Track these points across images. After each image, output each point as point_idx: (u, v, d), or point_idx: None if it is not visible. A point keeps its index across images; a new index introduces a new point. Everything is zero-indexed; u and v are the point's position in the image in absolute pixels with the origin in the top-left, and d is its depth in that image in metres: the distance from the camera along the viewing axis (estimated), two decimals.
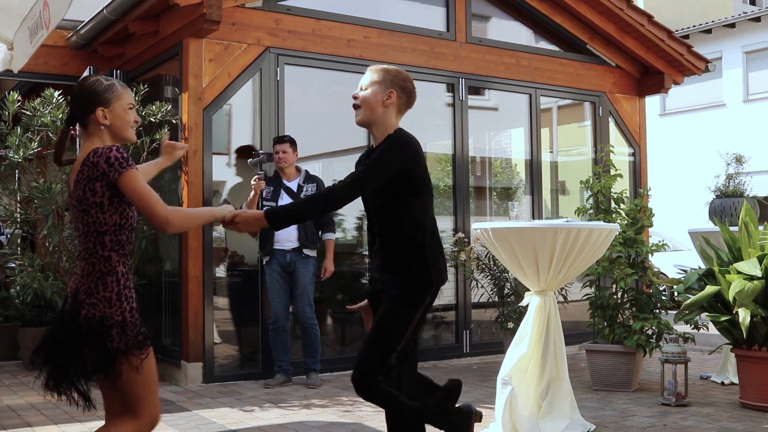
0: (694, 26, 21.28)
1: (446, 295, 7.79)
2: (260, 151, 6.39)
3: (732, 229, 5.94)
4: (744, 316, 5.16)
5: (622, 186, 6.97)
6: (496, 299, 7.11)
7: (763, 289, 5.28)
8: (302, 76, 7.24)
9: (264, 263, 6.52)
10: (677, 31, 19.17)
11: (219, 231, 7.07)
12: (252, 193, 6.28)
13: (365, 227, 7.46)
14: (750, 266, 5.36)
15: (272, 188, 6.45)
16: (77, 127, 2.94)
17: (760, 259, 5.40)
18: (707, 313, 5.63)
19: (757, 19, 20.41)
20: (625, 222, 6.32)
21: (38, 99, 6.61)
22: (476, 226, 5.03)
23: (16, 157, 6.45)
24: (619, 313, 6.25)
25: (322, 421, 5.19)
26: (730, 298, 5.29)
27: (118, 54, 7.80)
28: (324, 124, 7.83)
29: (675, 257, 13.44)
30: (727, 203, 6.62)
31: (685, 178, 19.36)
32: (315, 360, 6.46)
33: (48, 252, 6.86)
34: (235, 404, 5.74)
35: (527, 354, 4.72)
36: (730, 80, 20.83)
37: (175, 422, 5.09)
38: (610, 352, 6.14)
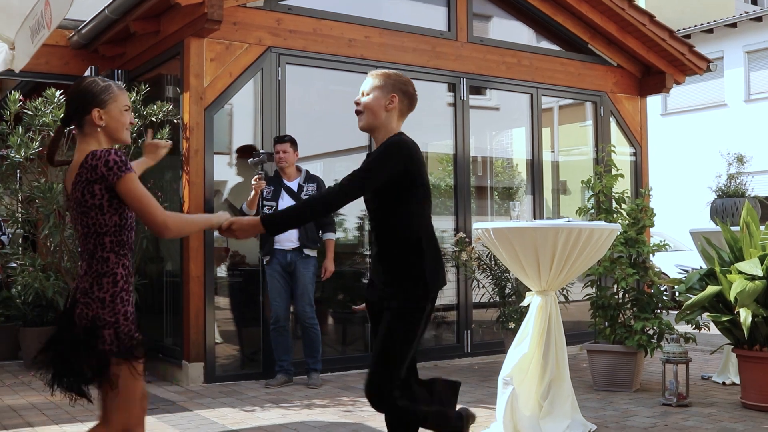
0: (696, 26, 21.27)
1: (447, 295, 7.78)
2: (261, 151, 6.39)
3: (733, 229, 5.94)
4: (745, 316, 5.15)
5: (623, 186, 6.96)
6: (498, 299, 7.11)
7: (765, 289, 5.27)
8: (303, 75, 7.24)
9: (264, 263, 6.52)
10: (679, 30, 19.17)
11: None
12: (252, 192, 6.29)
13: (366, 227, 7.47)
14: (751, 266, 5.35)
15: (273, 188, 6.45)
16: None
17: (762, 259, 5.40)
18: (708, 313, 5.62)
19: (759, 19, 20.39)
20: (627, 222, 6.31)
21: (40, 99, 6.61)
22: (477, 225, 5.03)
23: (17, 156, 6.45)
24: (621, 313, 6.25)
25: (323, 421, 5.19)
26: (732, 298, 5.29)
27: (120, 54, 7.80)
28: (325, 123, 7.83)
29: (676, 257, 13.43)
30: (728, 203, 6.61)
31: (686, 178, 19.35)
32: (316, 360, 6.46)
33: (49, 252, 6.86)
34: (236, 404, 5.74)
35: (528, 354, 4.72)
36: (731, 80, 20.82)
37: (176, 422, 5.09)
38: (612, 352, 6.14)
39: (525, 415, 4.64)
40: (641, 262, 6.27)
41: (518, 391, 4.65)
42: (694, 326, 5.93)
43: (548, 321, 4.75)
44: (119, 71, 7.68)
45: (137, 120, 6.60)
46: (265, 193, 6.40)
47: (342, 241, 7.60)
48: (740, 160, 6.79)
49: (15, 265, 7.15)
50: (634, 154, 9.25)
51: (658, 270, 6.49)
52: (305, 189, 6.45)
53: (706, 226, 6.74)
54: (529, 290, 4.95)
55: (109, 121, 2.87)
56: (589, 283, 6.44)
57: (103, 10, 7.08)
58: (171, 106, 6.75)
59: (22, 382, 6.66)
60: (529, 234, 4.65)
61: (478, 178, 8.72)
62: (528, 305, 4.88)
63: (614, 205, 6.44)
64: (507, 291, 7.02)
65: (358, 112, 3.30)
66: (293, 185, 6.48)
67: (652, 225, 6.41)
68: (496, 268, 7.02)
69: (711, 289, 5.52)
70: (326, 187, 6.48)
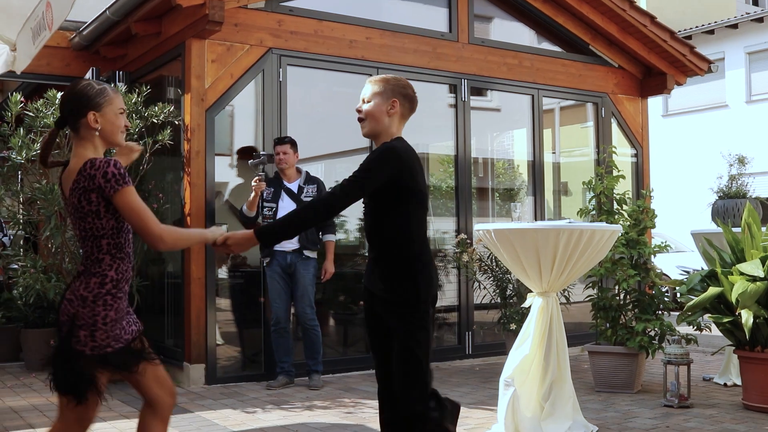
0: (697, 27, 21.26)
1: (449, 296, 7.78)
2: (261, 153, 6.40)
3: (735, 230, 5.93)
4: (747, 317, 5.15)
5: (624, 187, 6.96)
6: (499, 300, 7.11)
7: (766, 291, 5.26)
8: (305, 77, 7.24)
9: (264, 265, 6.52)
10: (680, 31, 19.16)
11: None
12: (252, 194, 6.30)
13: None
14: (753, 267, 5.35)
15: (273, 189, 6.45)
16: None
17: (763, 261, 5.40)
18: (710, 315, 5.62)
19: (760, 20, 20.38)
20: (628, 223, 6.31)
21: (41, 100, 6.62)
22: (479, 227, 5.03)
23: (18, 158, 6.45)
24: (622, 315, 6.24)
25: (324, 422, 5.19)
26: (733, 300, 5.28)
27: (121, 55, 7.81)
28: (326, 125, 7.83)
29: (677, 258, 13.42)
30: (729, 204, 6.61)
31: (687, 179, 19.33)
32: (317, 361, 6.46)
33: (50, 253, 6.86)
34: (238, 406, 5.73)
35: (530, 355, 4.72)
36: (732, 81, 20.81)
37: (177, 424, 5.09)
38: (613, 353, 6.13)
39: (526, 416, 4.64)
40: (642, 264, 6.27)
41: (519, 393, 4.65)
42: (695, 327, 5.93)
43: (549, 322, 4.75)
44: (120, 73, 7.68)
45: (138, 121, 6.61)
46: (265, 195, 6.40)
47: (343, 242, 7.60)
48: (741, 161, 6.78)
49: (16, 266, 7.15)
50: (636, 155, 9.24)
51: (659, 271, 6.48)
52: (305, 190, 6.45)
53: (707, 228, 6.73)
54: (531, 291, 4.95)
55: (104, 125, 2.87)
56: (591, 285, 6.44)
57: (105, 11, 7.08)
58: (172, 108, 6.75)
59: (24, 384, 6.66)
60: (531, 235, 4.64)
61: (479, 180, 8.72)
62: (529, 306, 4.88)
63: (615, 206, 6.44)
64: (508, 292, 7.02)
65: (360, 120, 3.31)
66: (293, 187, 6.48)
67: (654, 226, 6.41)
68: (497, 269, 7.01)
69: (712, 290, 5.51)
70: (326, 188, 6.48)
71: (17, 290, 7.30)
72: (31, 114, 6.55)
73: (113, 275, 2.81)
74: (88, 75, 7.52)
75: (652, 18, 8.69)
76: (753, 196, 6.72)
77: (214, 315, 6.57)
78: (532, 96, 8.50)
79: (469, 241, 7.12)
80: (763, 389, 5.34)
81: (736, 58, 20.76)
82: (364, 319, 3.42)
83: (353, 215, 7.56)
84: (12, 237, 8.01)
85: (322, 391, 6.25)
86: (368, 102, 3.28)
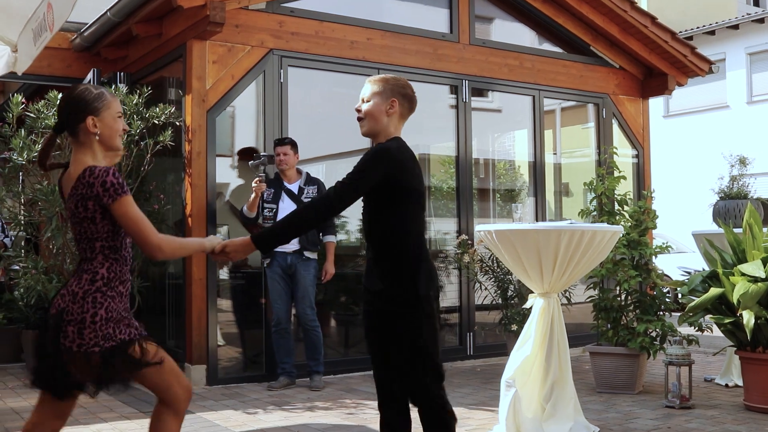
0: (698, 27, 21.26)
1: (450, 297, 7.78)
2: (261, 153, 6.40)
3: (736, 231, 5.93)
4: (748, 318, 5.15)
5: (625, 188, 6.97)
6: (500, 301, 7.10)
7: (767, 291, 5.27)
8: (305, 77, 7.24)
9: (265, 266, 6.52)
10: (681, 32, 19.15)
11: (222, 233, 7.08)
12: (253, 195, 6.30)
13: None
14: (754, 268, 5.35)
15: (273, 190, 6.45)
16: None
17: (765, 261, 5.39)
18: (711, 315, 5.62)
19: (761, 21, 20.38)
20: (629, 224, 6.31)
21: (42, 101, 6.62)
22: (480, 228, 5.03)
23: (20, 159, 6.45)
24: (623, 315, 6.24)
25: (325, 423, 5.19)
26: (735, 300, 5.28)
27: (122, 56, 7.81)
28: (327, 125, 7.83)
29: (679, 259, 13.41)
30: (731, 205, 6.61)
31: (688, 179, 19.33)
32: (318, 362, 6.46)
33: (52, 254, 6.86)
34: (239, 407, 5.73)
35: (531, 356, 4.72)
36: (733, 82, 20.81)
37: None
38: (614, 354, 6.13)
39: (527, 417, 4.64)
40: (644, 264, 6.27)
41: (521, 394, 4.65)
42: (696, 328, 5.93)
43: (551, 323, 4.74)
44: (121, 74, 7.69)
45: (139, 122, 6.61)
46: (265, 196, 6.41)
47: (344, 243, 7.60)
48: (743, 161, 6.78)
49: (17, 267, 7.16)
50: (637, 156, 9.24)
51: (660, 272, 6.48)
52: (306, 191, 6.45)
53: (708, 228, 6.73)
54: (532, 292, 4.94)
55: (103, 129, 2.87)
56: (592, 285, 6.44)
57: (106, 12, 7.09)
58: (173, 109, 6.75)
59: (25, 385, 6.65)
60: (532, 236, 4.64)
61: (480, 180, 8.72)
62: (530, 307, 4.88)
63: (617, 207, 6.44)
64: (509, 293, 7.02)
65: (359, 119, 3.32)
66: (293, 188, 6.48)
67: (655, 227, 6.41)
68: (498, 270, 7.01)
69: (714, 291, 5.51)
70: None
71: (18, 291, 7.30)
72: (32, 115, 6.56)
73: (104, 273, 2.80)
74: (89, 76, 7.52)
75: (653, 19, 8.69)
76: (754, 197, 6.72)
77: (215, 316, 6.57)
78: (533, 97, 8.50)
79: (470, 242, 7.12)
80: (765, 390, 5.33)
81: (737, 59, 20.76)
82: (363, 320, 3.42)
83: (354, 216, 7.56)
84: (13, 238, 8.01)
85: (324, 392, 6.25)
86: (367, 101, 3.29)
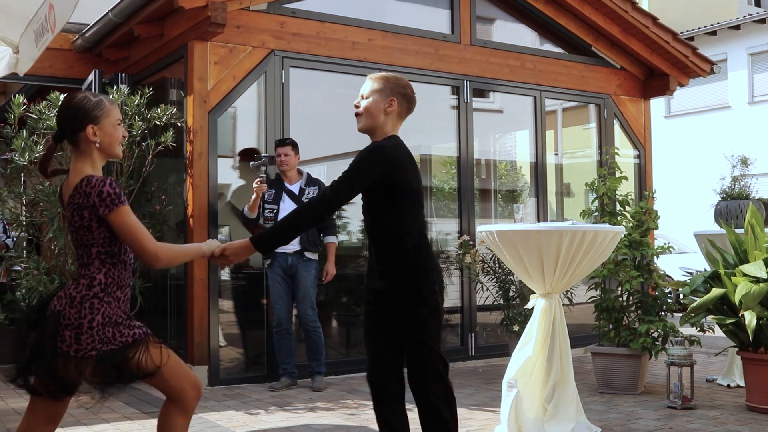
0: (699, 28, 21.25)
1: (451, 297, 7.78)
2: (262, 154, 6.40)
3: (738, 231, 5.92)
4: (750, 318, 5.14)
5: (627, 188, 6.97)
6: (502, 302, 7.10)
7: None
8: (307, 78, 7.24)
9: (266, 266, 6.53)
10: (682, 33, 19.15)
11: (223, 234, 7.08)
12: (254, 195, 6.31)
13: None
14: (756, 268, 5.34)
15: (274, 191, 6.46)
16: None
17: (766, 262, 5.38)
18: (713, 316, 5.61)
19: (762, 21, 20.37)
20: (631, 224, 6.31)
21: (44, 102, 6.63)
22: (481, 228, 5.03)
23: (21, 160, 6.46)
24: (625, 316, 6.24)
25: (327, 424, 5.19)
26: (736, 301, 5.27)
27: (123, 57, 7.82)
28: (328, 126, 7.84)
29: (680, 260, 13.41)
30: (732, 205, 6.60)
31: (690, 180, 19.32)
32: (319, 363, 6.46)
33: (53, 255, 6.87)
34: (241, 407, 5.73)
35: (532, 357, 4.71)
36: (735, 82, 20.80)
37: None
38: (616, 354, 6.13)
39: (529, 418, 4.63)
40: (645, 265, 6.26)
41: (522, 394, 4.65)
42: (698, 329, 5.92)
43: (552, 324, 4.74)
44: (123, 75, 7.69)
45: (141, 123, 6.62)
46: (266, 196, 6.41)
47: (345, 244, 7.61)
48: (744, 162, 6.77)
49: (19, 268, 7.16)
50: (638, 157, 9.24)
51: (662, 272, 6.47)
52: (306, 192, 6.45)
53: (710, 229, 6.72)
54: (533, 293, 4.94)
55: (103, 137, 2.87)
56: (593, 286, 6.43)
57: (107, 13, 7.09)
58: (175, 110, 6.76)
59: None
60: (533, 237, 4.64)
61: (481, 181, 8.72)
62: (532, 308, 4.88)
63: (618, 207, 6.44)
64: (511, 294, 7.01)
65: (357, 115, 3.33)
66: (294, 188, 6.48)
67: (656, 227, 6.40)
68: (500, 270, 7.01)
69: (715, 291, 5.51)
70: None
71: (20, 292, 7.30)
72: (33, 116, 6.56)
73: (101, 278, 2.79)
74: (91, 77, 7.53)
75: (654, 19, 8.69)
76: (756, 197, 6.71)
77: (216, 316, 6.57)
78: (535, 97, 8.50)
79: (471, 242, 7.12)
80: (767, 390, 5.33)
81: (739, 60, 20.75)
82: (364, 320, 3.42)
83: (355, 216, 7.57)
84: (15, 239, 8.02)
85: (325, 393, 6.25)
86: (367, 98, 3.30)
